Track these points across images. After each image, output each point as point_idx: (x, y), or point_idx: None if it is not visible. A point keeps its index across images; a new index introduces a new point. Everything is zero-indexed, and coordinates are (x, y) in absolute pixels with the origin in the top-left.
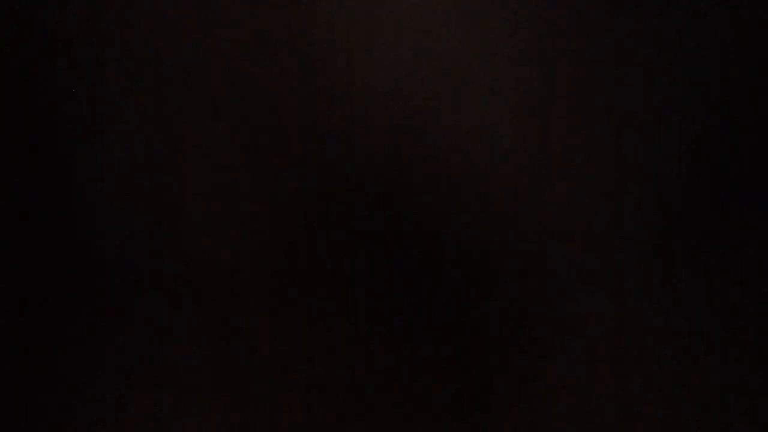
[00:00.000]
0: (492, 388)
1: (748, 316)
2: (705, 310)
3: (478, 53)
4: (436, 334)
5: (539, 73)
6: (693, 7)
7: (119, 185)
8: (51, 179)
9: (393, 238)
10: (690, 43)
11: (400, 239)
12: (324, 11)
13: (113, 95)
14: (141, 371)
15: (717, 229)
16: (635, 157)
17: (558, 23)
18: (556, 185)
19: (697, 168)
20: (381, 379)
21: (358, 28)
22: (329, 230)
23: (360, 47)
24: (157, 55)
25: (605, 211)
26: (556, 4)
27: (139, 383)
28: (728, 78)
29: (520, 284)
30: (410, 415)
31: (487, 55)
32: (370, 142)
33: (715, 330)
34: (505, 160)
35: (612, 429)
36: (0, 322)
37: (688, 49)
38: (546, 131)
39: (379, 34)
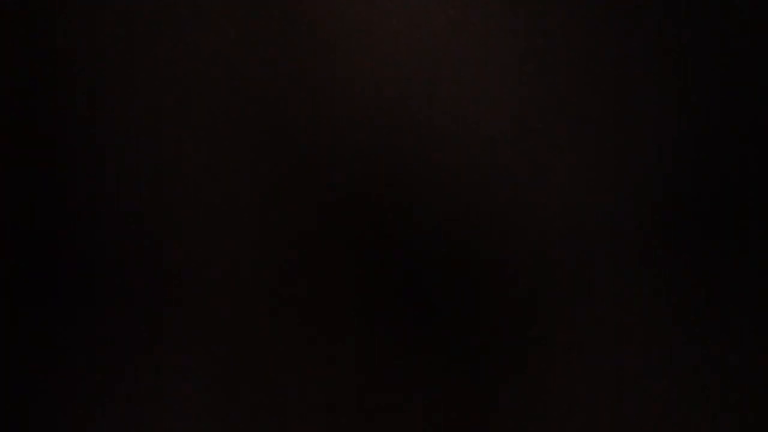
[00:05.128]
0: (493, 387)
1: (748, 315)
2: (706, 309)
3: (478, 53)
4: (436, 334)
5: (539, 73)
6: (693, 7)
7: (118, 185)
8: (50, 179)
9: (392, 239)
10: (690, 43)
11: (400, 239)
12: (324, 11)
13: (112, 95)
14: (139, 372)
15: (717, 229)
16: (636, 157)
17: (558, 23)
18: (556, 185)
19: (697, 167)
20: (381, 379)
21: (358, 29)
22: (328, 230)
23: (359, 48)
24: (156, 55)
25: (606, 211)
26: (556, 4)
27: (137, 384)
28: (729, 78)
29: (520, 284)
30: (411, 416)
31: (487, 55)
32: (369, 143)
33: (716, 329)
34: (505, 159)
35: (613, 429)
36: None
37: (689, 49)
38: (546, 131)
39: (379, 34)
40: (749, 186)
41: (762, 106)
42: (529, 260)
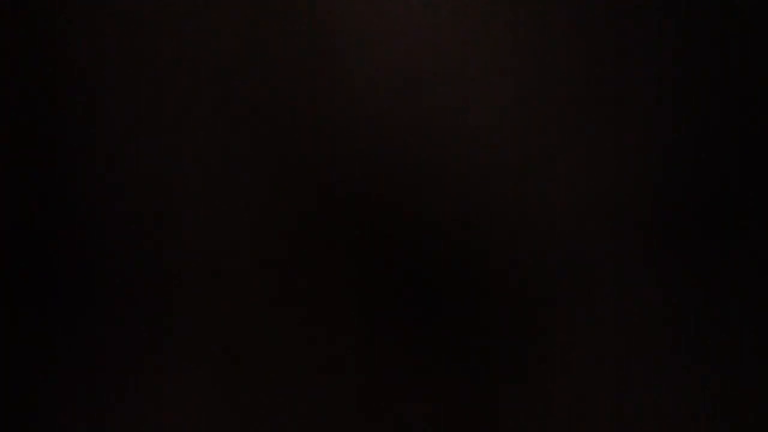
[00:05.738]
0: (493, 387)
1: (748, 315)
2: (706, 309)
3: (478, 53)
4: (436, 334)
5: (539, 73)
6: (693, 7)
7: (118, 185)
8: (50, 179)
9: (392, 239)
10: (690, 43)
11: (400, 239)
12: (324, 11)
13: (112, 95)
14: (140, 372)
15: (717, 229)
16: (635, 157)
17: (558, 23)
18: (556, 185)
19: (697, 167)
20: (381, 379)
21: (358, 29)
22: (328, 231)
23: (359, 48)
24: (156, 55)
25: (606, 211)
26: (556, 4)
27: (138, 384)
28: (728, 78)
29: (521, 284)
30: (412, 416)
31: (486, 55)
32: (369, 143)
33: (716, 329)
34: (505, 159)
35: (613, 429)
36: None
37: (689, 49)
38: (546, 131)
39: (379, 34)
40: (749, 186)
41: (762, 106)
42: (530, 260)
